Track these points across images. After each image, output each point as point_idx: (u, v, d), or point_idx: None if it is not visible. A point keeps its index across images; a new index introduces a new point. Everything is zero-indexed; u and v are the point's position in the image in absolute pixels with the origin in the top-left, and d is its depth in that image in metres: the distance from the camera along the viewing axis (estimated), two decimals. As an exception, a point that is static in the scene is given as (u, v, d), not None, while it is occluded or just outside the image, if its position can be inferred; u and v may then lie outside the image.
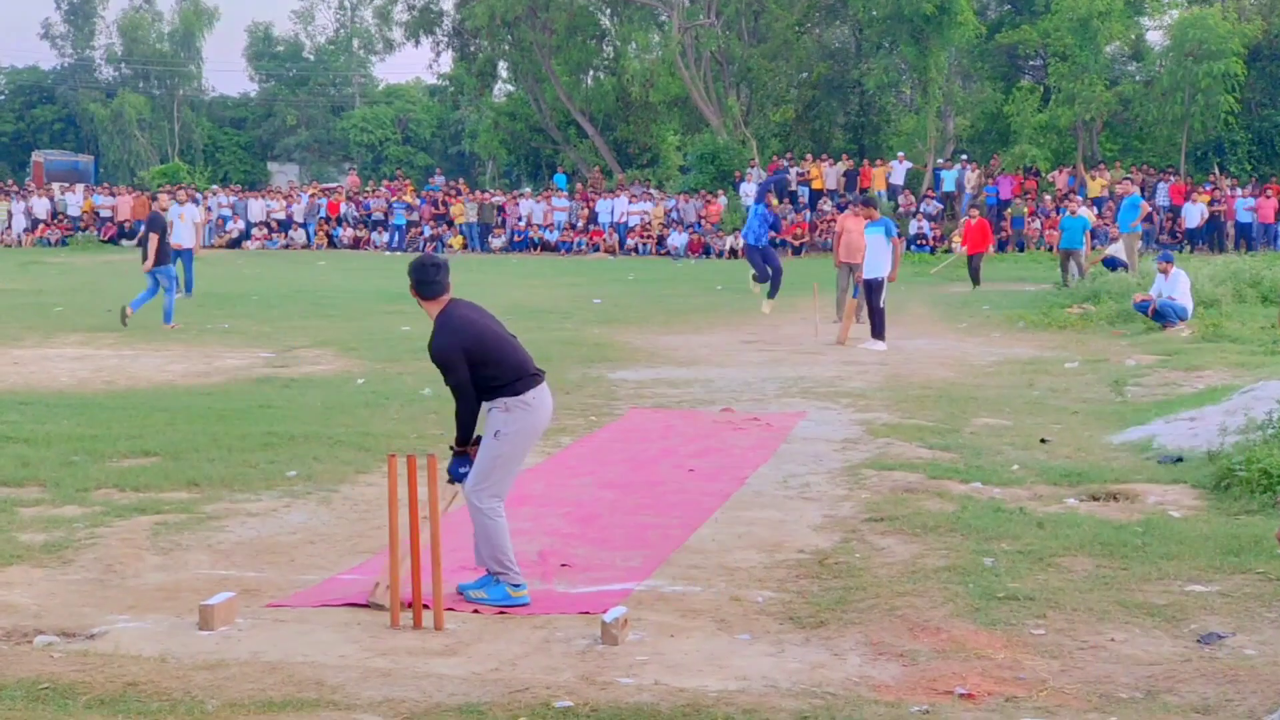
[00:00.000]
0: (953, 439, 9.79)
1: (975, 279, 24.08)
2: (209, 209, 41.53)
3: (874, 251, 16.01)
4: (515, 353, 6.03)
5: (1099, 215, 30.86)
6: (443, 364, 5.90)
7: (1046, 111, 37.26)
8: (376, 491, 7.96)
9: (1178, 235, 33.11)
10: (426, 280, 5.94)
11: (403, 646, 5.42)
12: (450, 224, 40.09)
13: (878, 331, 15.79)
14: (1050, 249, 30.92)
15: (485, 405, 6.00)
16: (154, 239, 17.65)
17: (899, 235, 17.20)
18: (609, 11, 45.81)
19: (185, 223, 21.98)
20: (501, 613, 5.85)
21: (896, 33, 37.70)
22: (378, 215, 40.84)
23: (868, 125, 44.13)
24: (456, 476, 6.03)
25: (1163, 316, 16.38)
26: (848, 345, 15.91)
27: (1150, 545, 6.67)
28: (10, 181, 45.82)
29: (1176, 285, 16.61)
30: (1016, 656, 5.22)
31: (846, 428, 10.41)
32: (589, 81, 46.54)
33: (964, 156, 37.66)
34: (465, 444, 6.01)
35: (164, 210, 18.94)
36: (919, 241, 34.03)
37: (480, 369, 5.90)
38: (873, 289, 15.88)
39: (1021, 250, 33.57)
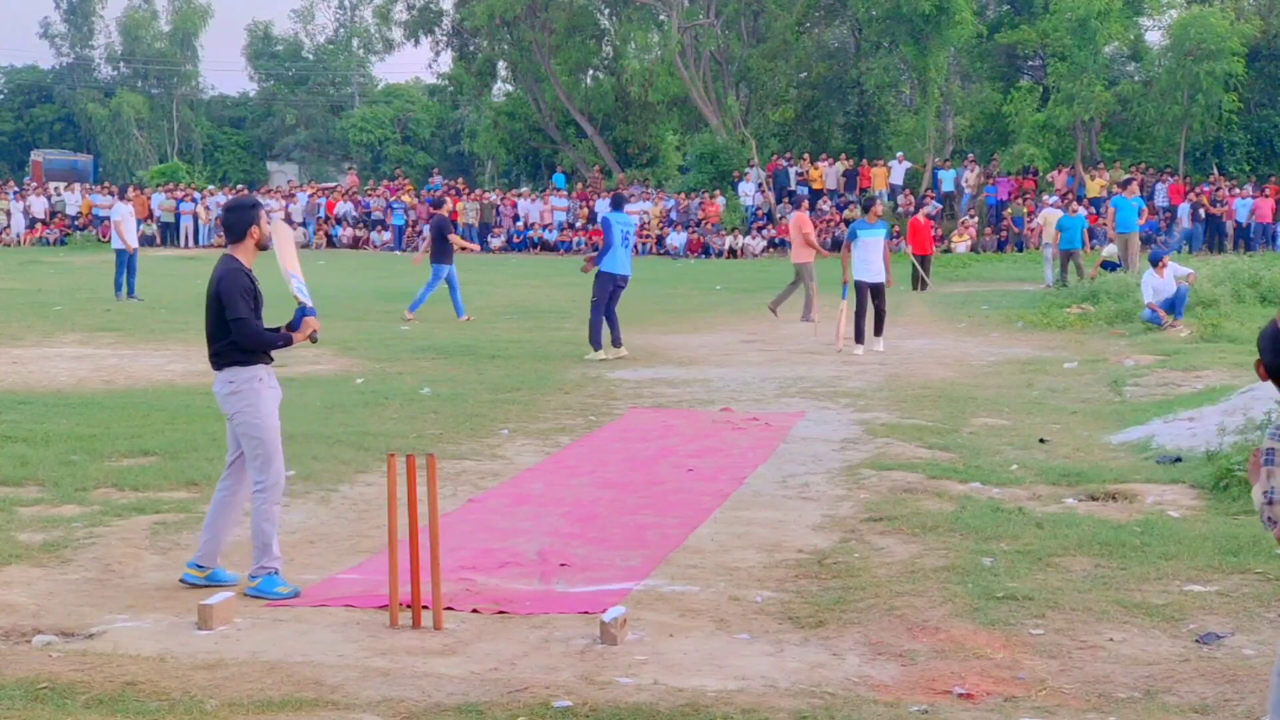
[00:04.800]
0: (952, 439, 9.79)
1: (924, 282, 23.50)
2: (207, 208, 41.57)
3: (878, 255, 15.94)
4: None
5: (1098, 215, 30.84)
6: (229, 301, 6.12)
7: (1045, 111, 37.27)
8: (375, 491, 7.96)
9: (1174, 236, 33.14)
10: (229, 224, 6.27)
11: (401, 646, 5.42)
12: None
13: (876, 330, 15.74)
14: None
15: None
16: (429, 240, 18.93)
17: (890, 238, 16.88)
18: (608, 11, 45.81)
19: (132, 221, 22.06)
20: (501, 612, 5.85)
21: (896, 32, 37.70)
22: (376, 215, 40.83)
23: (867, 125, 44.13)
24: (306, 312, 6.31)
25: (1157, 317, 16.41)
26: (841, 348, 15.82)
27: (1149, 545, 6.67)
28: (9, 182, 45.78)
29: (1170, 281, 16.60)
30: (1015, 656, 5.22)
31: (845, 428, 10.41)
32: (588, 81, 46.56)
33: (969, 156, 37.63)
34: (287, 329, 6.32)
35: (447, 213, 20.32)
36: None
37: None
38: (877, 292, 15.70)
39: (1021, 250, 33.57)
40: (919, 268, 23.71)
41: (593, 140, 44.40)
